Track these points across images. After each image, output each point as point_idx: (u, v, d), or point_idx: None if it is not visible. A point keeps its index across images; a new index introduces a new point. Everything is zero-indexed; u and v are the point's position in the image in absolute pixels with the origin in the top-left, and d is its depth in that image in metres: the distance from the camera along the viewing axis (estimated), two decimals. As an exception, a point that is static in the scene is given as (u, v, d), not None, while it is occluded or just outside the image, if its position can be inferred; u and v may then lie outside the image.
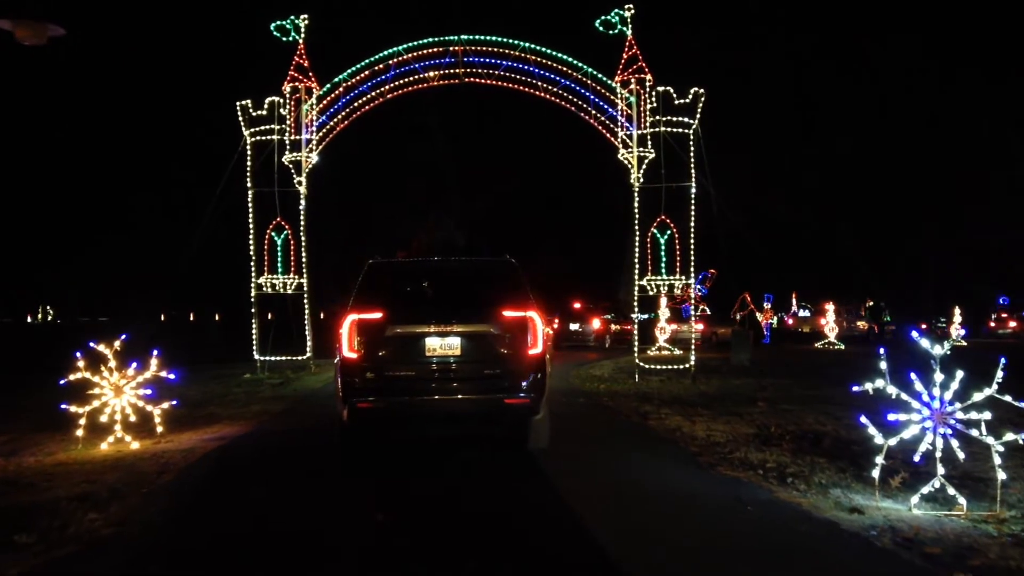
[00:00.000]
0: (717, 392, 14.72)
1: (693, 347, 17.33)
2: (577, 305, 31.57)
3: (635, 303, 17.70)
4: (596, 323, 29.73)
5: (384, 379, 7.78)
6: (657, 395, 14.00)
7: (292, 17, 18.00)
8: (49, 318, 78.73)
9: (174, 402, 9.70)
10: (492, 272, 8.82)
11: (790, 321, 34.76)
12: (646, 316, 35.25)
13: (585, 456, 8.49)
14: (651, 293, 17.46)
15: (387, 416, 7.98)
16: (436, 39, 17.57)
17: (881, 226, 45.13)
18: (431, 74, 17.79)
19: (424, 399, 7.80)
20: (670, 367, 17.58)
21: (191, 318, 71.66)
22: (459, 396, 7.83)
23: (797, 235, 42.36)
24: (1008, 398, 6.04)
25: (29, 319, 76.55)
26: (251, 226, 18.21)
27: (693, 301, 18.44)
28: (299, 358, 18.65)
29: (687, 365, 17.07)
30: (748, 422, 10.59)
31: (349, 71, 17.94)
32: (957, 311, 39.40)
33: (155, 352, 9.31)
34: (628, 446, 9.04)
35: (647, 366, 17.51)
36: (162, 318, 62.69)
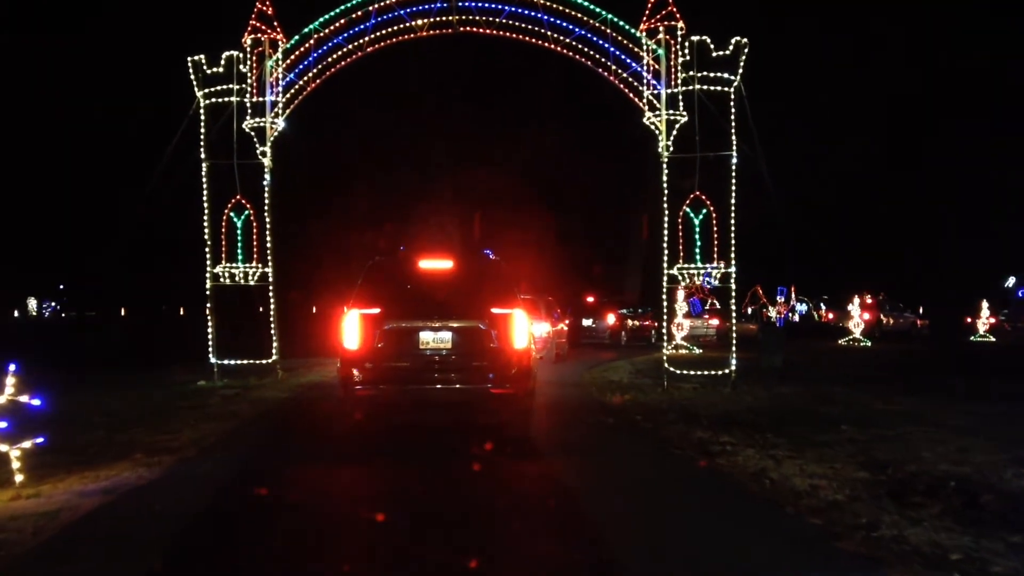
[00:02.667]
0: (771, 406, 11.89)
1: (733, 348, 14.44)
2: (590, 299, 29.33)
3: (663, 296, 14.84)
4: (611, 318, 27.27)
5: (382, 369, 8.33)
6: (702, 411, 11.15)
7: (253, -46, 15.06)
8: (33, 313, 74.99)
9: (38, 440, 6.75)
10: (482, 271, 9.28)
11: (830, 316, 31.69)
12: (640, 311, 32.58)
13: (651, 529, 5.63)
14: (684, 283, 14.61)
15: (384, 403, 8.45)
16: (425, -21, 14.67)
17: (897, 215, 42.48)
18: (419, 22, 14.85)
19: (418, 388, 8.35)
20: (702, 373, 14.73)
21: (181, 312, 68.26)
22: (449, 385, 8.38)
23: (812, 221, 39.42)
24: None
25: (16, 313, 72.83)
26: (205, 205, 15.28)
27: (730, 290, 15.37)
28: (265, 361, 15.77)
29: (728, 370, 14.22)
30: (848, 458, 7.75)
31: (321, 20, 14.95)
32: (985, 305, 36.72)
33: (11, 368, 6.42)
34: (707, 511, 6.09)
35: (677, 371, 14.66)
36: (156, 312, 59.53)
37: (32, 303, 75.94)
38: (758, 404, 12.12)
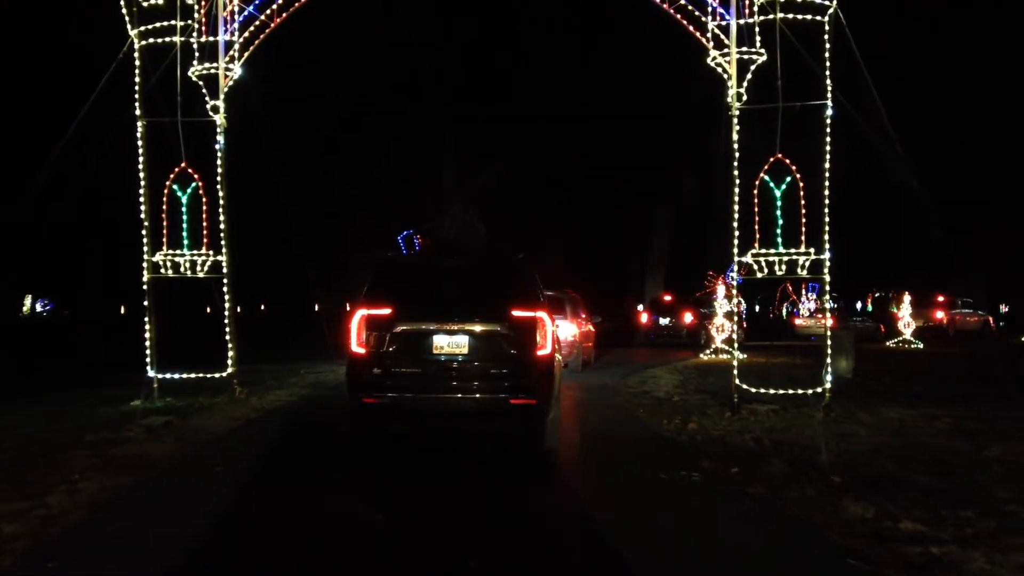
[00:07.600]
0: (904, 445, 8.48)
1: (828, 361, 11.00)
2: (668, 298, 29.74)
3: (733, 292, 11.45)
4: (688, 317, 27.46)
5: (391, 375, 7.83)
6: (813, 455, 7.73)
7: None
8: (27, 311, 71.71)
9: None
10: (503, 270, 8.62)
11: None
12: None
13: None
14: (760, 275, 11.18)
15: (392, 412, 7.92)
16: None
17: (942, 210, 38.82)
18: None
19: (431, 396, 7.82)
20: (774, 391, 11.28)
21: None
22: (465, 395, 7.81)
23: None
24: None
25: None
26: (141, 176, 11.94)
27: (824, 283, 12.01)
28: (220, 375, 12.40)
29: (820, 389, 10.81)
30: None
31: (288, -64, 11.62)
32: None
33: None
34: None
35: (752, 389, 11.23)
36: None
37: (28, 300, 72.81)
38: (883, 441, 8.70)
